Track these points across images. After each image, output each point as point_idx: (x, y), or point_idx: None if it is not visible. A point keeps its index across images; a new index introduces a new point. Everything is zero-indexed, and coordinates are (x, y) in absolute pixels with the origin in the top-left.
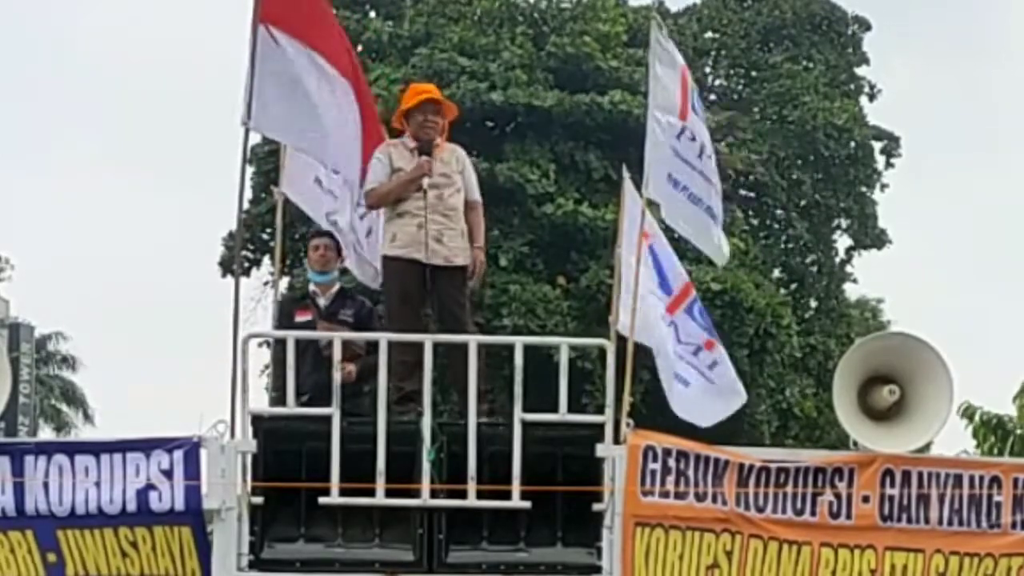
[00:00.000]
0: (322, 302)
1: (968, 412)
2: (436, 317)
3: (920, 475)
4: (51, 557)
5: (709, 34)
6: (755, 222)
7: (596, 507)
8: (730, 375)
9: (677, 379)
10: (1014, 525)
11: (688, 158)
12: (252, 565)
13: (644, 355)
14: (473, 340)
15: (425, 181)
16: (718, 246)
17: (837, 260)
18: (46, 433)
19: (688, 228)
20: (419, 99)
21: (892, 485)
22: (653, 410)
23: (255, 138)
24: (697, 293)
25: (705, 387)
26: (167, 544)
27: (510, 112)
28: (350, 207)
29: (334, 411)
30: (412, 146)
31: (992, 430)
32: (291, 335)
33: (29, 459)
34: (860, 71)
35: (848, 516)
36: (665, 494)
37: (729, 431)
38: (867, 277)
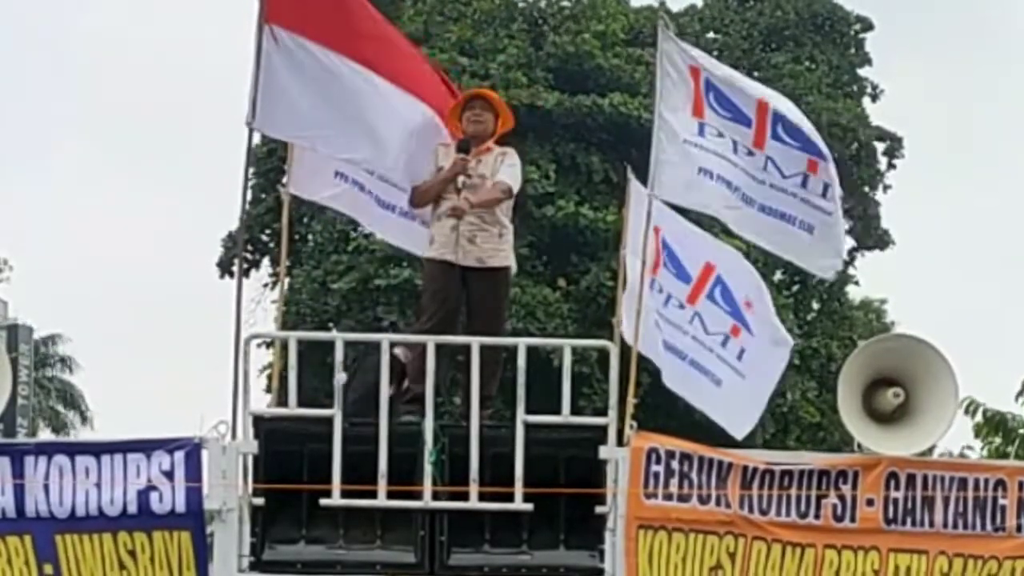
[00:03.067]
0: None
1: (971, 408)
2: (466, 319)
3: (925, 478)
4: (48, 569)
5: (711, 35)
6: None
7: (599, 509)
8: (761, 357)
9: (709, 377)
10: (1019, 528)
11: (724, 153)
12: (253, 567)
13: (645, 357)
14: (475, 341)
15: (460, 179)
16: (799, 246)
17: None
18: (45, 435)
19: (740, 225)
20: (468, 96)
21: (896, 488)
22: (653, 412)
23: (255, 139)
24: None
25: (737, 384)
26: (165, 553)
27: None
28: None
29: (336, 412)
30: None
31: (995, 428)
32: (292, 335)
33: (29, 460)
34: (863, 71)
35: (852, 519)
36: (668, 496)
37: (725, 435)
38: (869, 278)
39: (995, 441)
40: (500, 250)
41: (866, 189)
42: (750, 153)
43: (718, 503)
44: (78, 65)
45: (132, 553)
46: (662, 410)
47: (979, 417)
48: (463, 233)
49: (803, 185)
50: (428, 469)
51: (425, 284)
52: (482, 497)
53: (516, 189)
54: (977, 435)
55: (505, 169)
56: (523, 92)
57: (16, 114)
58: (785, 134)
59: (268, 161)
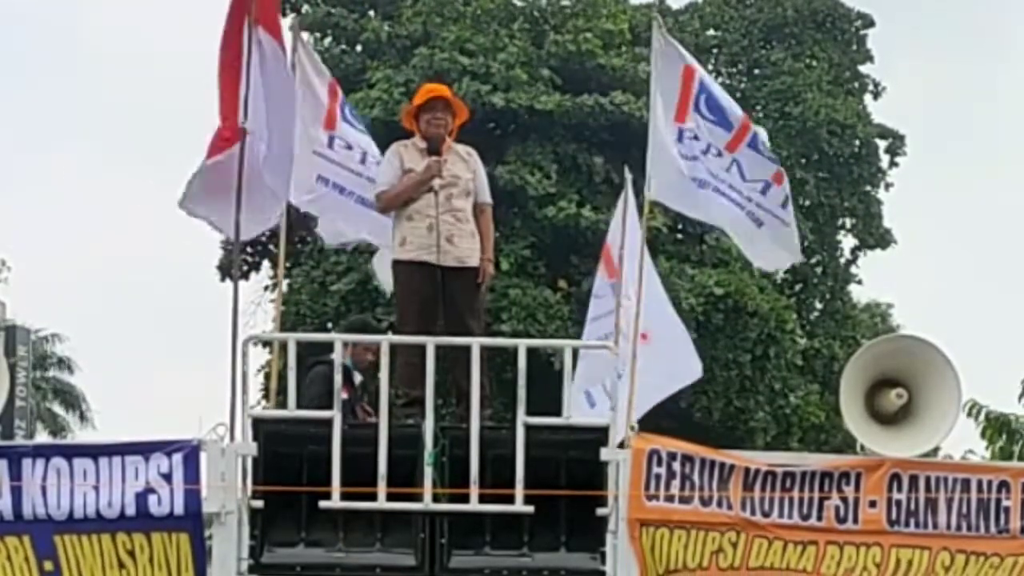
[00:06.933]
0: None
1: (974, 411)
2: (445, 320)
3: (928, 479)
4: (47, 565)
5: (711, 32)
6: None
7: (600, 512)
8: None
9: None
10: (1022, 530)
11: (695, 155)
12: (252, 569)
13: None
14: (476, 342)
15: (436, 181)
16: (766, 248)
17: (842, 261)
18: (43, 437)
19: (726, 225)
20: (426, 96)
21: (899, 489)
22: (654, 413)
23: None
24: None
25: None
26: (164, 554)
27: (512, 114)
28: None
29: (335, 414)
30: (422, 146)
31: (998, 430)
32: (291, 337)
33: (27, 462)
34: (864, 68)
35: (855, 521)
36: (670, 498)
37: (726, 437)
38: (872, 278)
39: (1000, 443)
40: (475, 250)
41: (867, 187)
42: (719, 154)
43: (720, 505)
44: (79, 64)
45: (131, 552)
46: (662, 411)
47: (982, 419)
48: (441, 233)
49: (763, 192)
50: (428, 471)
51: (402, 286)
52: (482, 499)
53: None
54: (983, 436)
55: (483, 186)
56: (524, 95)
57: (16, 114)
58: (759, 146)
59: None
